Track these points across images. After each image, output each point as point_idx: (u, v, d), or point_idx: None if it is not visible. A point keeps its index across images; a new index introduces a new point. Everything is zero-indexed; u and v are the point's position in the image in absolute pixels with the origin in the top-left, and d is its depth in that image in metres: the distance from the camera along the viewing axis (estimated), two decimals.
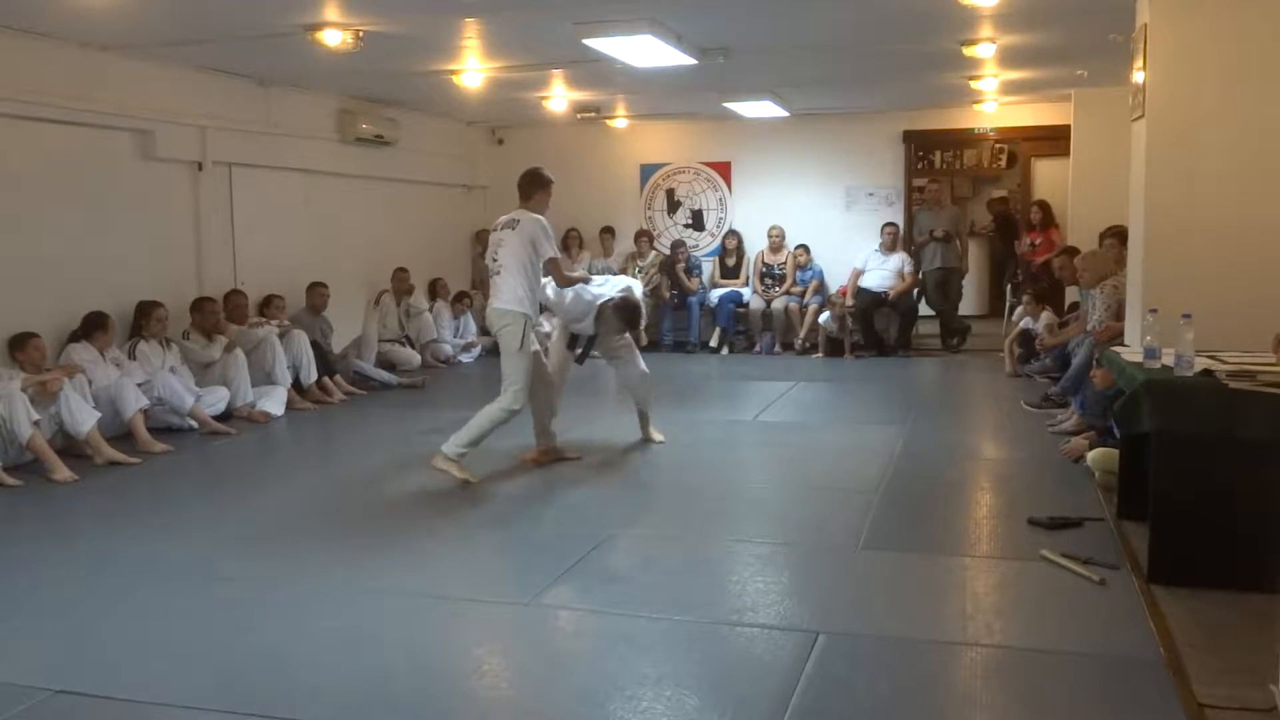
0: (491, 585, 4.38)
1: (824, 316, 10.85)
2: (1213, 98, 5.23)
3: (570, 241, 11.49)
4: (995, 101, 10.69)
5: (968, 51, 7.58)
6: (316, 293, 8.97)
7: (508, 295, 5.71)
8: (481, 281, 10.67)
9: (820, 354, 10.81)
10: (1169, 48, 5.28)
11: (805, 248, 11.34)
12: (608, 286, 6.43)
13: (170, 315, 7.45)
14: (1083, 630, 3.63)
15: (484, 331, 10.13)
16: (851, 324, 10.72)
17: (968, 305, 12.26)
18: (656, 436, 6.81)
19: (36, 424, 5.92)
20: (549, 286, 6.10)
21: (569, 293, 6.24)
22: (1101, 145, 9.38)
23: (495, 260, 5.80)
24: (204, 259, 8.29)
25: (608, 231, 11.94)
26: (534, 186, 5.95)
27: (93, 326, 6.82)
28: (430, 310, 10.52)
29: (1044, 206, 10.85)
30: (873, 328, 10.79)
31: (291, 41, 6.87)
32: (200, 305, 7.74)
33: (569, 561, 4.41)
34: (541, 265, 5.77)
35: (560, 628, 3.87)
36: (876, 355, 10.66)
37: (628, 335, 6.63)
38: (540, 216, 5.82)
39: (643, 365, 6.74)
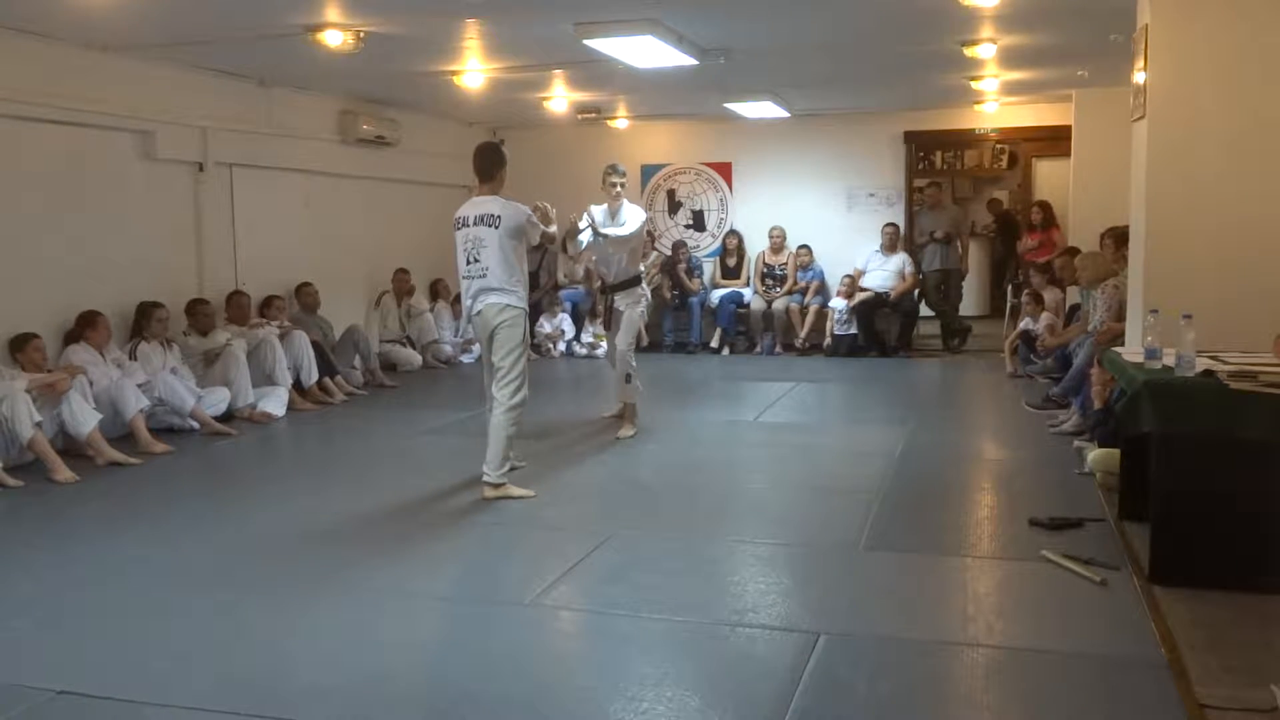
0: (492, 586, 4.38)
1: (838, 304, 10.81)
2: (1213, 98, 5.23)
3: (569, 240, 11.47)
4: (996, 102, 10.69)
5: (969, 52, 7.58)
6: (305, 293, 8.98)
7: (506, 290, 5.35)
8: None
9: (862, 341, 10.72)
10: (1170, 48, 5.28)
11: (808, 248, 11.34)
12: (616, 228, 6.87)
13: (171, 316, 7.47)
14: (1083, 631, 3.63)
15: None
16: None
17: (968, 306, 12.27)
18: (623, 434, 6.86)
19: (39, 425, 5.93)
20: (584, 236, 6.76)
21: (588, 240, 6.79)
22: (1102, 146, 9.38)
23: (476, 262, 5.36)
24: (205, 260, 8.29)
25: None
26: (497, 164, 5.52)
27: (84, 325, 6.82)
28: (431, 311, 10.53)
29: (1045, 207, 10.85)
30: (873, 328, 10.79)
31: (292, 42, 6.87)
32: (193, 308, 7.76)
33: (570, 562, 4.41)
34: (530, 247, 5.60)
35: (561, 628, 3.88)
36: (878, 355, 10.66)
37: (644, 291, 7.11)
38: (517, 204, 5.42)
39: (629, 352, 6.90)
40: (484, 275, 5.36)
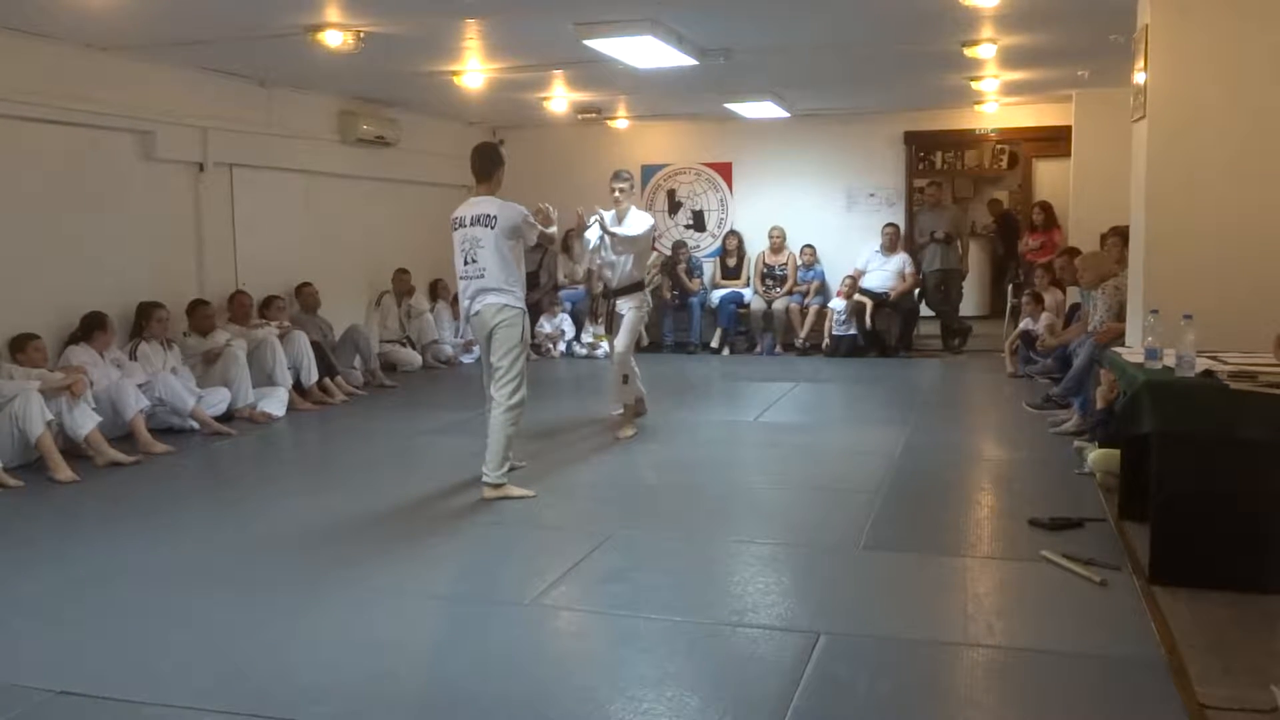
0: (493, 586, 4.38)
1: (838, 304, 10.80)
2: (1213, 98, 5.23)
3: (573, 240, 11.47)
4: (996, 102, 10.69)
5: (969, 52, 7.58)
6: (306, 293, 8.98)
7: (503, 290, 5.35)
8: None
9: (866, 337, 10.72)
10: (1170, 49, 5.28)
11: (811, 248, 11.34)
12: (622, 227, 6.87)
13: (171, 316, 7.47)
14: (1084, 631, 3.63)
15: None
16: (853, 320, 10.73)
17: (968, 306, 12.26)
18: (623, 434, 6.88)
19: (50, 424, 5.94)
20: (591, 234, 6.74)
21: (595, 241, 6.80)
22: (1103, 146, 9.38)
23: (474, 262, 5.36)
24: (205, 260, 8.29)
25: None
26: (494, 164, 5.54)
27: (92, 327, 6.82)
28: (431, 311, 10.53)
29: (1046, 208, 10.85)
30: (874, 328, 10.79)
31: (293, 42, 6.87)
32: (194, 309, 7.76)
33: (570, 562, 4.41)
34: (527, 247, 5.62)
35: (562, 628, 3.88)
36: (878, 356, 10.66)
37: (646, 296, 7.11)
38: (514, 204, 5.43)
39: (627, 356, 6.90)
40: (481, 275, 5.37)
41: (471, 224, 5.40)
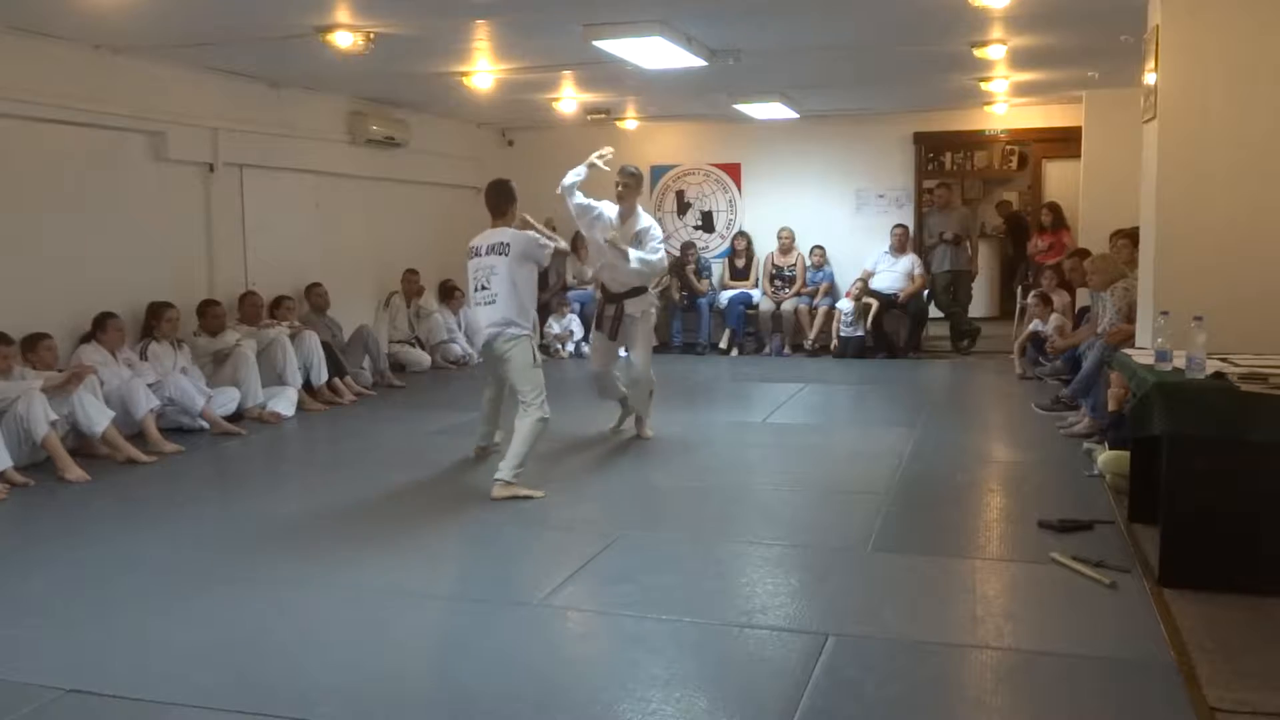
0: (501, 586, 4.38)
1: (844, 305, 10.79)
2: (1224, 99, 5.21)
3: (580, 243, 11.48)
4: (1006, 103, 10.67)
5: (978, 53, 7.57)
6: (315, 293, 9.01)
7: (513, 323, 5.60)
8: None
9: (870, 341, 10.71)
10: (1181, 49, 5.27)
11: (821, 249, 11.33)
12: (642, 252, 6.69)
13: (181, 316, 7.49)
14: (1093, 633, 3.62)
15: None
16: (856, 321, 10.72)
17: (978, 307, 12.23)
18: (648, 433, 6.90)
19: (53, 424, 5.96)
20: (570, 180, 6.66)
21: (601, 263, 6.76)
22: (1113, 147, 9.34)
23: (485, 289, 5.64)
24: (215, 260, 8.32)
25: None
26: (508, 200, 5.83)
27: (104, 327, 6.85)
28: (439, 311, 10.54)
29: (1055, 209, 10.81)
30: (883, 329, 10.78)
31: (303, 43, 6.89)
32: (204, 309, 7.79)
33: (578, 562, 4.41)
34: (542, 267, 5.87)
35: (570, 629, 3.88)
36: (886, 357, 10.64)
37: (652, 297, 7.04)
38: (527, 233, 5.75)
39: (648, 369, 6.77)
40: (493, 301, 5.61)
41: (487, 253, 5.69)
